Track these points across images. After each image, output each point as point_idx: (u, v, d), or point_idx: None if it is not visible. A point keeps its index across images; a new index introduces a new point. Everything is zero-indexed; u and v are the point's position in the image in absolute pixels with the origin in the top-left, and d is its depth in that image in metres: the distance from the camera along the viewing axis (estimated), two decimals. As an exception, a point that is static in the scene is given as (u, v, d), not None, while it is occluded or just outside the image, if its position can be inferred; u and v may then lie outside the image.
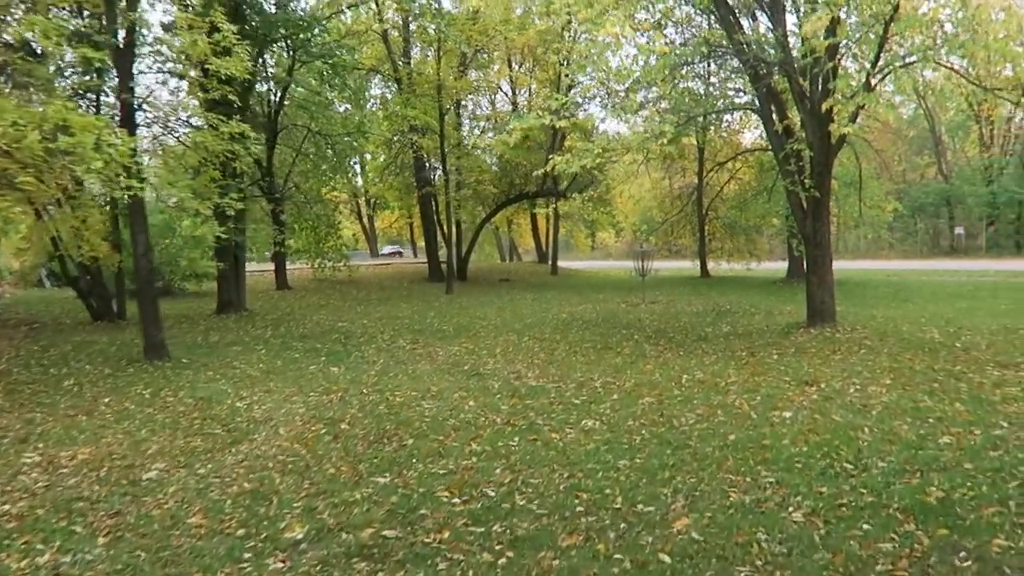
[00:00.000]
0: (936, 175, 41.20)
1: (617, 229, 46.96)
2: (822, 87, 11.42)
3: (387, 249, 52.72)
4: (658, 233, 32.68)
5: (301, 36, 16.34)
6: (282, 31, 15.75)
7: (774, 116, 12.36)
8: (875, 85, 11.39)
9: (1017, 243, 36.61)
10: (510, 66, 32.25)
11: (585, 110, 27.52)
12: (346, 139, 25.56)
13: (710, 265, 29.78)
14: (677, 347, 11.42)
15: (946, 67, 10.75)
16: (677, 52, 11.60)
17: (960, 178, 39.17)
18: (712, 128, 23.76)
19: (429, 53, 29.02)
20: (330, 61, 19.82)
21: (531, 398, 7.81)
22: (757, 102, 12.71)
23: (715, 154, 27.59)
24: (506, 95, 33.98)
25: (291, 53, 19.66)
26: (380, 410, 7.46)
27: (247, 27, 15.32)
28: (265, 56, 18.94)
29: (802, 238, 12.50)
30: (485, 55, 28.89)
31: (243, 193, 16.01)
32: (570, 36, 21.24)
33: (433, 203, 28.96)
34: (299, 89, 24.10)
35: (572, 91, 22.63)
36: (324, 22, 19.01)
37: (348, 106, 25.78)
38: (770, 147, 13.76)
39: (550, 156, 12.64)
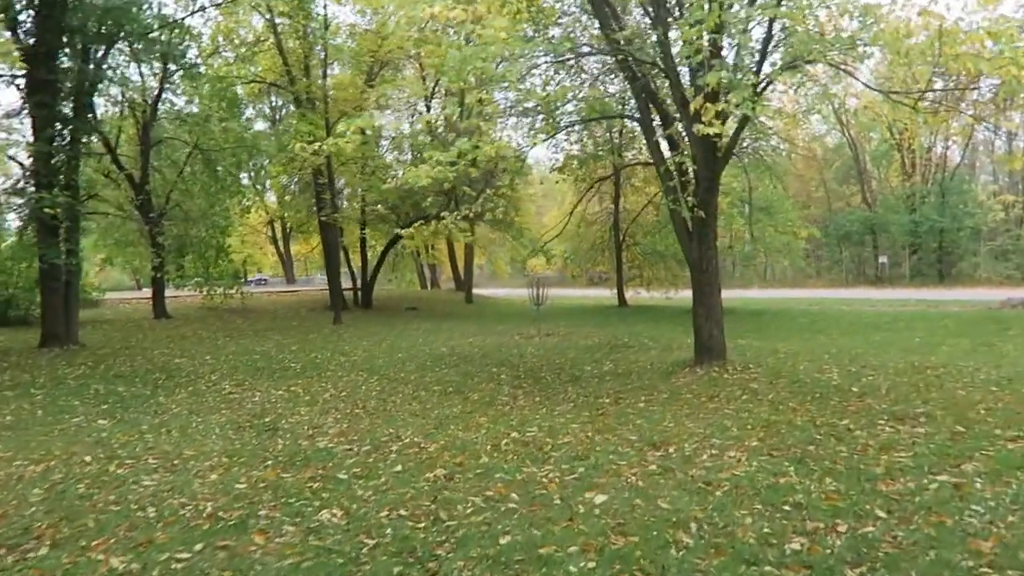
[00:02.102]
0: (861, 203, 40.92)
1: (548, 256, 45.61)
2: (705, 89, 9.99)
3: (255, 277, 50.01)
4: (576, 261, 31.30)
5: (129, 29, 14.25)
6: (99, 22, 13.67)
7: (655, 125, 10.90)
8: (762, 89, 10.00)
9: (939, 272, 36.32)
10: (424, 83, 30.61)
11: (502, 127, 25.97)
12: (232, 157, 23.45)
13: (630, 294, 28.38)
14: (540, 391, 9.72)
15: (835, 66, 9.38)
16: (537, 48, 10.00)
17: (884, 206, 38.90)
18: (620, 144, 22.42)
19: (337, 68, 27.32)
20: (187, 66, 17.84)
21: (297, 469, 5.94)
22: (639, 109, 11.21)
23: (630, 176, 26.35)
24: (419, 112, 32.26)
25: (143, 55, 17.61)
26: (73, 490, 5.48)
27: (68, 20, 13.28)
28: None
29: (688, 264, 10.95)
30: (390, 71, 27.23)
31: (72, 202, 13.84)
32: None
33: (335, 227, 26.92)
34: (170, 99, 22.08)
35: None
36: (164, 17, 16.81)
37: (227, 120, 23.63)
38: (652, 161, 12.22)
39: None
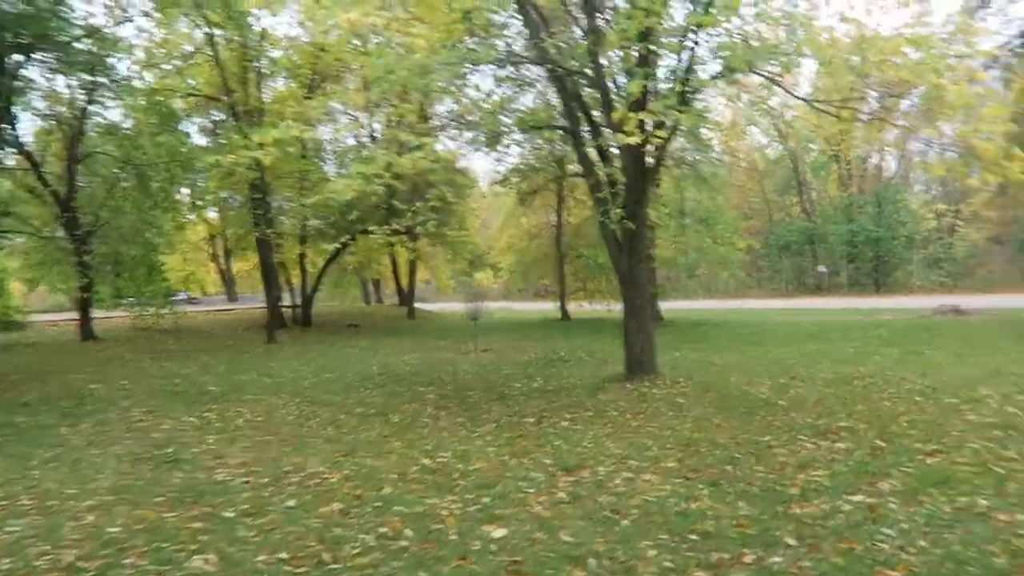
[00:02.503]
0: (800, 214, 41.68)
1: (495, 269, 45.43)
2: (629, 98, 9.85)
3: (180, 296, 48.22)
4: (520, 275, 31.09)
5: (47, 39, 13.57)
6: (12, 30, 12.97)
7: (585, 135, 10.71)
8: (689, 98, 9.89)
9: (876, 280, 37.12)
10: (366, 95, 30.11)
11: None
12: (166, 172, 22.59)
13: (573, 307, 28.22)
14: (464, 411, 9.37)
15: (763, 75, 9.31)
16: (462, 57, 9.70)
17: (822, 217, 39.66)
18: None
19: (281, 81, 26.69)
20: (115, 78, 17.14)
21: (185, 506, 5.47)
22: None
23: (572, 188, 26.26)
24: (363, 126, 31.75)
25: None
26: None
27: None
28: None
29: (618, 277, 10.75)
30: (332, 84, 26.70)
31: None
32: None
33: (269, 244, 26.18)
34: (101, 113, 21.19)
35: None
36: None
37: (159, 134, 22.80)
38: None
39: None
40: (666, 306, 29.45)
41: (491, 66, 11.07)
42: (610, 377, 10.93)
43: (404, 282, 36.22)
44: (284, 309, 28.32)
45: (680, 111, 8.63)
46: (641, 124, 7.51)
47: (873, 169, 39.15)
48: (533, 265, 28.96)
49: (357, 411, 9.67)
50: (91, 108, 20.37)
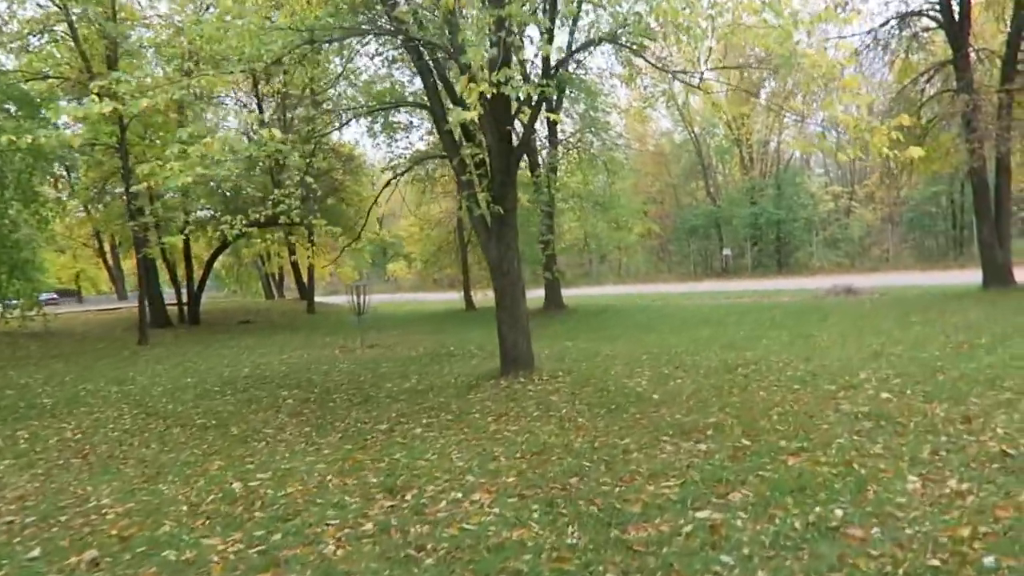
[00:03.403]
0: (706, 198, 42.10)
1: (409, 260, 44.26)
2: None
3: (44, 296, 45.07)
4: (429, 264, 30.24)
5: None
6: None
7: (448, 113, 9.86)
8: (554, 71, 9.20)
9: (778, 261, 37.79)
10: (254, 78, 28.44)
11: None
12: (21, 162, 20.57)
13: (480, 297, 27.46)
14: (318, 419, 8.47)
15: (622, 45, 8.69)
16: (301, 24, 8.70)
17: (727, 200, 40.10)
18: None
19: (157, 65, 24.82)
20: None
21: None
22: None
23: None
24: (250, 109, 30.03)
25: None
26: None
27: None
28: None
29: (488, 266, 9.98)
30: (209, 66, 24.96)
31: None
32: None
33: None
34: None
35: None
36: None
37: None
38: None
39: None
40: (574, 292, 29.13)
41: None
42: (487, 374, 10.19)
43: (305, 275, 34.72)
44: (170, 306, 26.62)
45: (543, 86, 7.96)
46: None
47: (773, 153, 39.75)
48: (438, 254, 28.05)
49: (197, 422, 8.63)
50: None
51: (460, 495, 4.91)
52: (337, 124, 10.76)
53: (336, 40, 8.92)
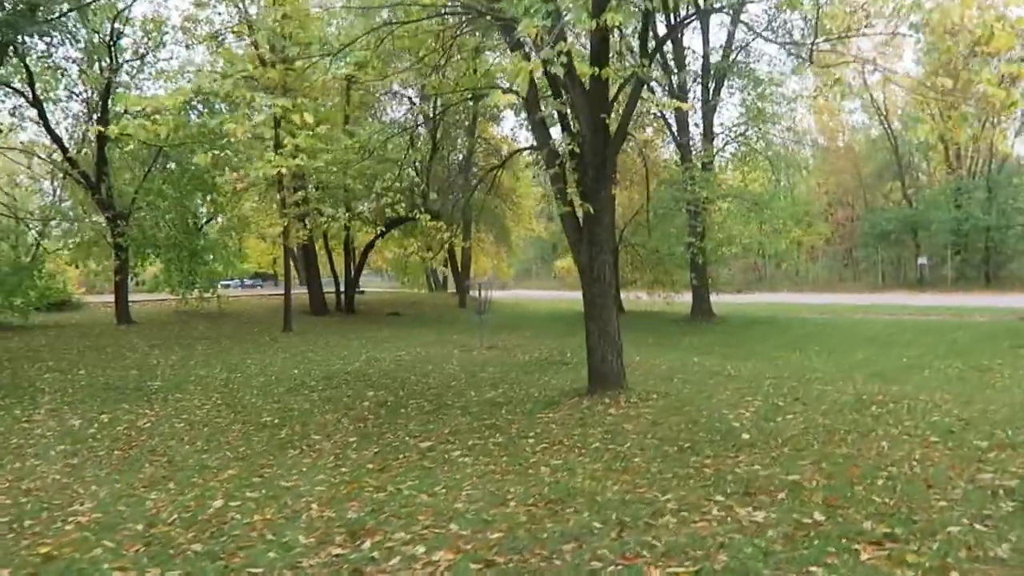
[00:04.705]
0: (901, 200, 37.56)
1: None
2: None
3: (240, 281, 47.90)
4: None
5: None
6: None
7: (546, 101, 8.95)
8: (655, 50, 8.00)
9: (986, 274, 32.88)
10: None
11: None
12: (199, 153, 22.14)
13: (632, 298, 26.10)
14: (375, 426, 7.97)
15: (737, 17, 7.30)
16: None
17: (925, 203, 35.51)
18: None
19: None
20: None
21: None
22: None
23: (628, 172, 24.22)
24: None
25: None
26: None
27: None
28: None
29: (578, 270, 8.91)
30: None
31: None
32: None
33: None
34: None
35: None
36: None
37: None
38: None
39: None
40: (737, 299, 27.02)
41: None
42: (575, 390, 9.16)
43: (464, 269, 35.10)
44: (329, 295, 27.76)
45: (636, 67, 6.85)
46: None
47: (986, 150, 34.51)
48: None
49: (262, 420, 8.41)
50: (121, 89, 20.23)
51: (423, 550, 4.04)
52: (431, 113, 10.13)
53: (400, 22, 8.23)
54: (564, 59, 5.43)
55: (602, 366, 8.55)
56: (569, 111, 8.38)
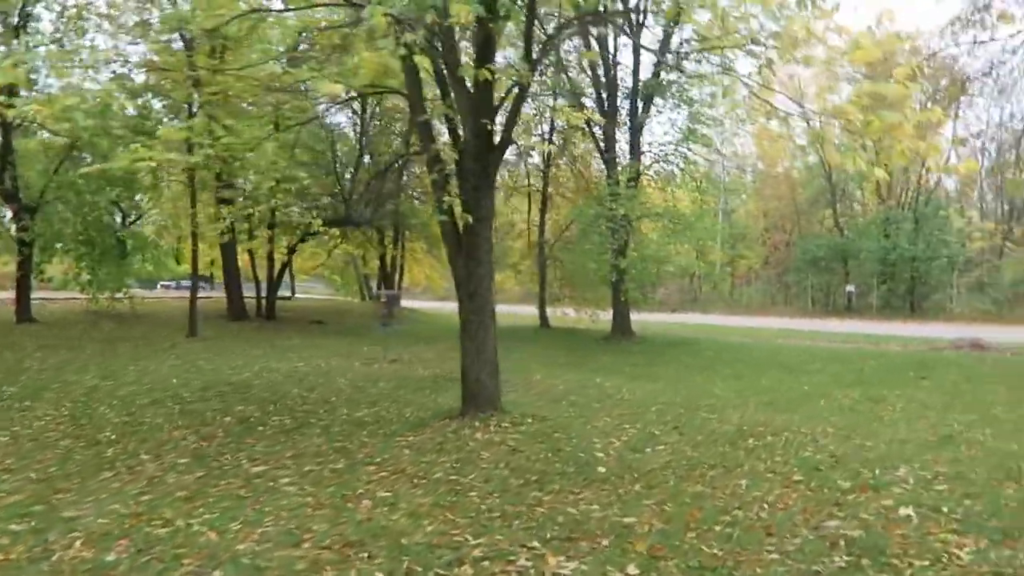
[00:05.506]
0: (834, 228, 38.15)
1: (516, 271, 43.19)
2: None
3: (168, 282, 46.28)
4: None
5: None
6: None
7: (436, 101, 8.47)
8: (539, 57, 7.60)
9: (911, 304, 33.49)
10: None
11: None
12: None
13: (559, 313, 25.67)
14: (222, 446, 7.28)
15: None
16: None
17: (855, 232, 36.10)
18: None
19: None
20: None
21: None
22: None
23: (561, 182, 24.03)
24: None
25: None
26: None
27: None
28: None
29: (455, 283, 8.41)
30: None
31: None
32: None
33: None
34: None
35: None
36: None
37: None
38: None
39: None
40: (664, 319, 26.93)
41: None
42: (449, 411, 8.63)
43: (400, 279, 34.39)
44: (253, 300, 26.77)
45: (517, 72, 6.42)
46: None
47: (916, 181, 35.26)
48: (513, 267, 26.71)
49: (99, 436, 7.66)
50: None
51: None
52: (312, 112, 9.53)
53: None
54: (403, 51, 4.91)
55: (476, 387, 8.05)
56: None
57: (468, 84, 7.61)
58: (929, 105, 16.73)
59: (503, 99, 7.96)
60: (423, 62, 7.32)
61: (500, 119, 8.03)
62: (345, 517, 4.83)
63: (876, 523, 4.69)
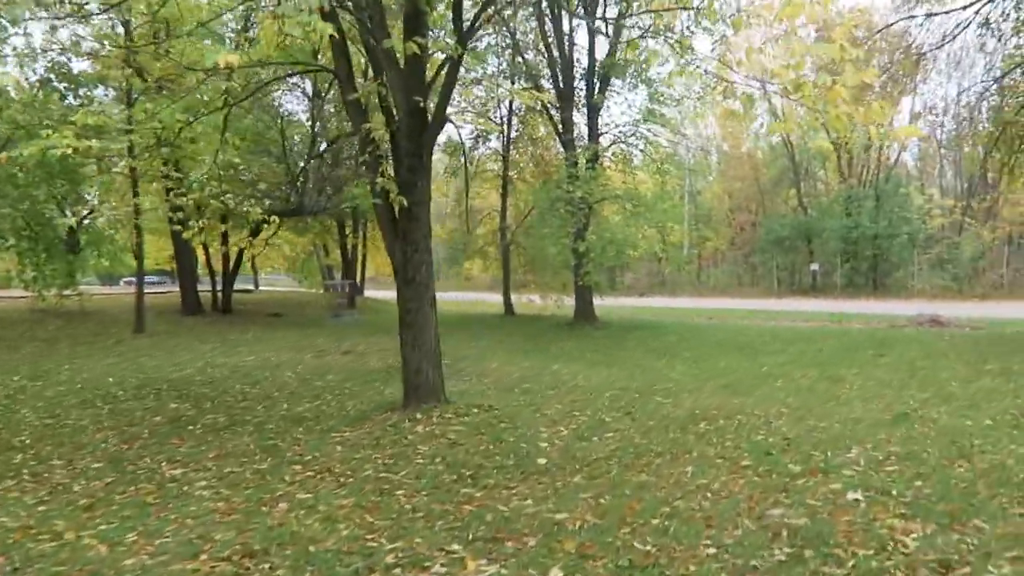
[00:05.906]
0: (797, 207, 38.27)
1: (485, 258, 42.77)
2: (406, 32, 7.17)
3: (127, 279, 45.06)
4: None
5: None
6: None
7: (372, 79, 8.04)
8: (474, 33, 7.21)
9: (873, 281, 33.70)
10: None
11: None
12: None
13: (524, 300, 25.32)
14: (143, 447, 6.84)
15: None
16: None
17: (818, 211, 36.24)
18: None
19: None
20: None
21: None
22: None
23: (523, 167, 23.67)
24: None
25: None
26: None
27: None
28: None
29: (392, 269, 8.01)
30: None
31: None
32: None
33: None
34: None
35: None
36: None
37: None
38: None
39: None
40: (630, 303, 26.75)
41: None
42: (391, 404, 8.25)
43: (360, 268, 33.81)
44: (204, 293, 26.08)
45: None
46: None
47: (876, 159, 35.44)
48: (479, 254, 26.35)
49: (14, 440, 7.18)
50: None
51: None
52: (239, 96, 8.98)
53: None
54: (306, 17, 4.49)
55: (416, 377, 7.68)
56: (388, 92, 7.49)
57: (399, 60, 7.22)
58: (884, 79, 16.57)
59: (435, 76, 7.56)
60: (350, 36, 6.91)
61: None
62: (255, 523, 4.45)
63: (823, 509, 4.43)
